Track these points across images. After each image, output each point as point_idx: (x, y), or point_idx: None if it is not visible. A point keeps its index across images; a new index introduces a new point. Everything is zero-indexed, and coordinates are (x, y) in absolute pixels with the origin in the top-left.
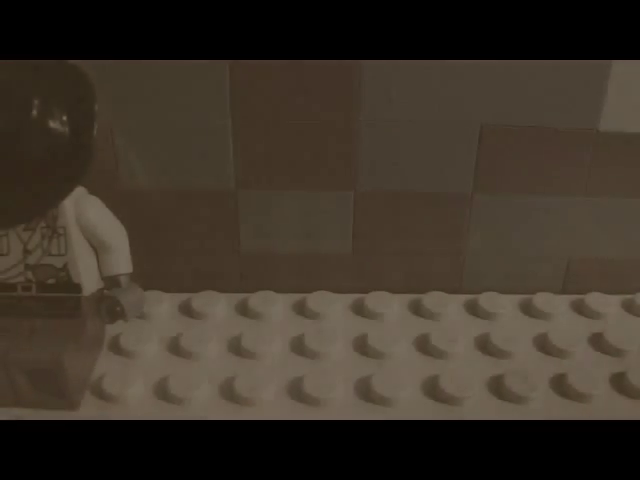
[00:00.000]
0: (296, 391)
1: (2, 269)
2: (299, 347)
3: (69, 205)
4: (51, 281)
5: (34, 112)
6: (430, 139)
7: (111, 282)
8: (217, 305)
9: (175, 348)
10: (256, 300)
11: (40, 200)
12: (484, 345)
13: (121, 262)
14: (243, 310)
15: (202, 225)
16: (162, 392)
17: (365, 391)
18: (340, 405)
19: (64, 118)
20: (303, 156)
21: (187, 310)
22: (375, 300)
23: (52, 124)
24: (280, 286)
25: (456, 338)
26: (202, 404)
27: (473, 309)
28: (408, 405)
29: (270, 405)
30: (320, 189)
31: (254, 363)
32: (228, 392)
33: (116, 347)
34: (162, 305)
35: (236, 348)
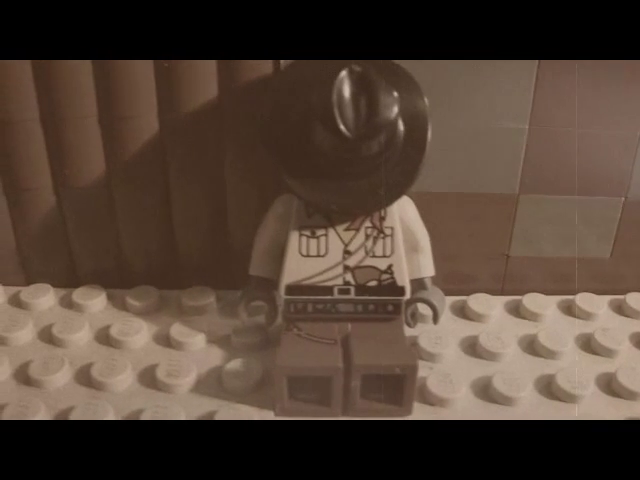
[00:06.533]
0: (608, 387)
1: (319, 271)
2: (588, 346)
3: (395, 204)
4: (372, 283)
5: (396, 110)
6: None
7: (417, 284)
8: (494, 308)
9: (472, 349)
10: (528, 302)
11: (376, 197)
12: None
13: (429, 264)
14: (515, 311)
15: (473, 228)
16: (484, 393)
17: None
18: None
19: (401, 118)
20: (583, 162)
21: (461, 312)
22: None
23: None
24: (542, 288)
25: None
26: (529, 403)
27: None
28: None
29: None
30: (591, 194)
31: (552, 363)
32: (547, 391)
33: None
34: None
35: (531, 348)
